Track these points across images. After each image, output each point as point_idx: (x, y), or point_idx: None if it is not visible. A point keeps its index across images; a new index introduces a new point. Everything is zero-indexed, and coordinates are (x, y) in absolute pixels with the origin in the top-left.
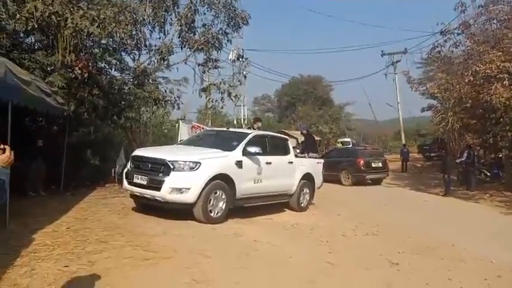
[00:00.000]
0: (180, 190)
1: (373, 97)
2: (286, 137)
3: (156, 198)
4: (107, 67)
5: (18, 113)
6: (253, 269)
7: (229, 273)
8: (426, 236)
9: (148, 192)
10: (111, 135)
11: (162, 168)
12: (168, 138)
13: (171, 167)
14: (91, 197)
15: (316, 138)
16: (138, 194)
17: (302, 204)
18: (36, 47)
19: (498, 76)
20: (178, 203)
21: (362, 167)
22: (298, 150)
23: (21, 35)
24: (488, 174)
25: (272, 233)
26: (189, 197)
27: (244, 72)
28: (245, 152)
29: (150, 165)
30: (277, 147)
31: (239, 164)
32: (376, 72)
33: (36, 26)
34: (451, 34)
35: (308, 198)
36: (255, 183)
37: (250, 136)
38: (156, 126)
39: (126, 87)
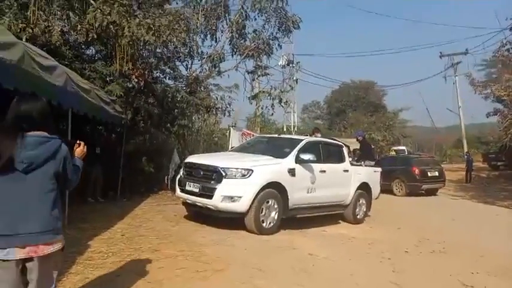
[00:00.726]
0: (231, 198)
1: (430, 102)
2: (341, 143)
3: (208, 206)
4: (161, 76)
5: (78, 120)
6: (311, 286)
7: None
8: (502, 255)
9: (200, 200)
10: (164, 143)
11: (214, 175)
12: (219, 147)
13: (223, 174)
14: (145, 203)
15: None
16: (190, 201)
17: (358, 216)
18: (96, 58)
19: None
20: (230, 211)
21: (417, 176)
22: (350, 158)
23: (82, 46)
24: None
25: (328, 247)
26: (240, 206)
27: (295, 78)
28: (298, 160)
29: (202, 172)
30: (332, 155)
31: (292, 171)
32: (434, 75)
33: (95, 37)
34: None
35: (364, 210)
36: (308, 192)
37: (303, 143)
38: (207, 135)
39: (179, 95)
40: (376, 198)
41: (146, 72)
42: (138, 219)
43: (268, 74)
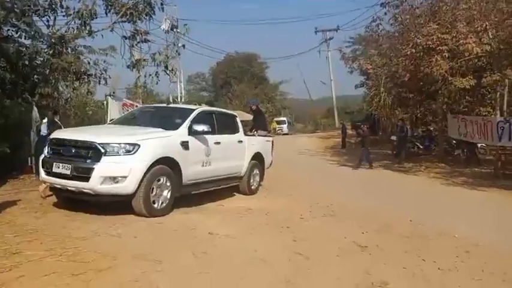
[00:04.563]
0: (114, 179)
1: (307, 75)
2: (235, 113)
3: (84, 190)
4: (15, 34)
5: None
6: (215, 271)
7: (189, 283)
8: (380, 212)
9: (73, 184)
10: (24, 117)
11: (90, 152)
12: (93, 121)
13: (102, 150)
14: (1, 191)
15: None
16: (59, 186)
17: (253, 187)
18: None
19: (438, 48)
20: (113, 194)
21: None
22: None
23: None
24: (421, 147)
25: (227, 223)
26: (126, 187)
27: (180, 44)
28: (191, 131)
29: (73, 150)
30: (226, 125)
31: (185, 144)
32: (310, 50)
33: None
34: (391, 7)
35: (258, 180)
36: (203, 166)
37: (196, 112)
38: (78, 107)
39: (40, 58)
40: (267, 168)
41: None
42: None
43: (149, 41)
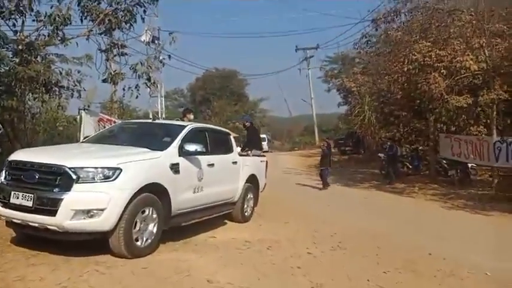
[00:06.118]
0: (88, 213)
1: (287, 92)
2: (228, 130)
3: (49, 227)
4: None
5: None
6: None
7: None
8: (392, 243)
9: (35, 218)
10: None
11: (59, 179)
12: (64, 139)
13: (74, 177)
14: None
15: (234, 134)
16: (18, 221)
17: (246, 214)
18: None
19: (435, 65)
20: (86, 232)
21: None
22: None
23: None
24: (410, 166)
25: (226, 263)
26: (103, 222)
27: (162, 57)
28: (182, 151)
29: (37, 176)
30: (219, 144)
31: (175, 167)
32: (291, 67)
33: None
34: (382, 23)
35: (252, 206)
36: (195, 192)
37: (186, 129)
38: (48, 123)
39: (4, 66)
40: (261, 191)
41: None
42: None
43: (126, 54)
